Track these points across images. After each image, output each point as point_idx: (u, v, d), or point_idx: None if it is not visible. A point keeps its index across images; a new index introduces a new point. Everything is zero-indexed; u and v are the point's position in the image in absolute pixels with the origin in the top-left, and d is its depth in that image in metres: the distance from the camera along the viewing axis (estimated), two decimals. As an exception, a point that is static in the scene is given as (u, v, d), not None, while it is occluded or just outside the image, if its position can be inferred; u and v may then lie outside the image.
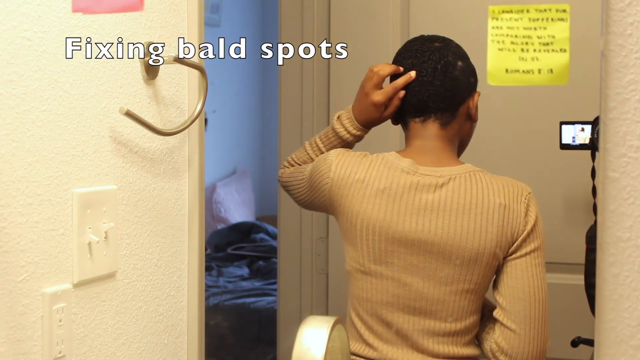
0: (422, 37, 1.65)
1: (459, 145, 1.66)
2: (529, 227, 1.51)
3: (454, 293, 1.53)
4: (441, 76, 1.59)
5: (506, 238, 1.51)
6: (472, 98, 1.62)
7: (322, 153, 1.74)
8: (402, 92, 1.63)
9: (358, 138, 1.73)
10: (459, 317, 1.54)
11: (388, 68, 1.65)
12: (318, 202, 1.69)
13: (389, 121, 1.72)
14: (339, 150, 1.67)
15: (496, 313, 1.53)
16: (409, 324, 1.56)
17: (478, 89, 1.65)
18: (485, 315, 1.60)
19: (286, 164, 1.83)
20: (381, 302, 1.57)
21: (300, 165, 1.78)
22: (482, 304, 1.59)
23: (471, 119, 1.64)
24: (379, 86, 1.66)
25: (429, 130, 1.60)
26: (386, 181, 1.56)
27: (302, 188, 1.74)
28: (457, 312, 1.54)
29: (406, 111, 1.63)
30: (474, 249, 1.51)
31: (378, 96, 1.65)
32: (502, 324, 1.51)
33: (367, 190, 1.57)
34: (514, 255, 1.52)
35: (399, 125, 1.72)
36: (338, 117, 1.73)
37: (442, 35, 1.67)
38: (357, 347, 1.60)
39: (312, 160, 1.74)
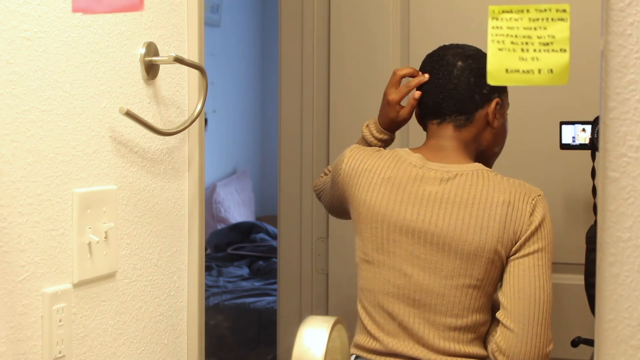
0: (451, 44, 1.68)
1: (482, 152, 1.66)
2: (533, 227, 1.51)
3: (454, 287, 1.54)
4: (455, 79, 1.62)
5: (508, 235, 1.51)
6: (489, 105, 1.63)
7: None
8: (418, 93, 1.67)
9: (384, 142, 1.78)
10: (459, 313, 1.55)
11: (406, 69, 1.72)
12: (337, 199, 1.73)
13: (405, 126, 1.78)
14: (354, 145, 1.73)
15: (498, 313, 1.53)
16: (410, 316, 1.56)
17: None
18: (494, 318, 1.60)
19: (322, 175, 1.92)
20: (383, 292, 1.59)
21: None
22: (488, 304, 1.58)
23: (491, 125, 1.64)
24: (396, 86, 1.73)
25: (444, 131, 1.63)
26: (392, 171, 1.60)
27: (327, 190, 1.81)
28: (457, 308, 1.54)
29: (425, 114, 1.68)
30: (474, 243, 1.51)
31: (392, 95, 1.71)
32: (502, 323, 1.51)
33: (374, 179, 1.61)
34: (517, 255, 1.52)
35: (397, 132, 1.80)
36: (367, 125, 1.80)
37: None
38: (361, 339, 1.63)
39: None
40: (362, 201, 1.61)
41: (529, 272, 1.51)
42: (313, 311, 2.55)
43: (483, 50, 1.60)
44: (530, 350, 1.49)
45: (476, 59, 1.63)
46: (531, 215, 1.51)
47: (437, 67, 1.64)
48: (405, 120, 1.74)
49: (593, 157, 1.86)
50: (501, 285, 1.55)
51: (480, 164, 1.60)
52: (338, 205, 1.76)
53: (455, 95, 1.61)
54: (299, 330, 1.02)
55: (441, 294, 1.54)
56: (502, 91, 1.65)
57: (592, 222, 1.75)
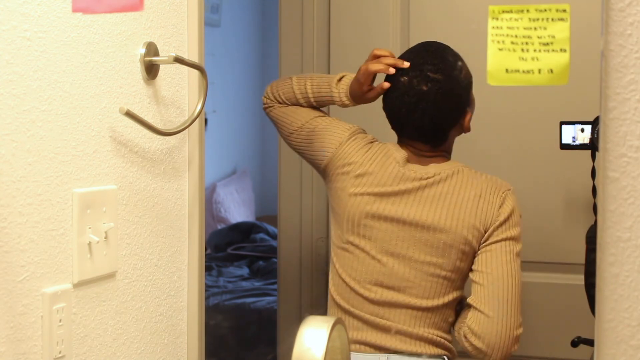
0: (426, 76, 1.65)
1: None
2: (501, 218, 1.59)
3: (427, 275, 1.60)
4: (428, 118, 1.64)
5: (477, 225, 1.59)
6: (464, 118, 1.68)
7: (309, 101, 1.79)
8: (386, 84, 1.68)
9: (345, 105, 1.78)
10: (427, 296, 1.61)
11: (383, 51, 1.73)
12: (311, 156, 1.76)
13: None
14: (354, 130, 1.73)
15: (470, 299, 1.59)
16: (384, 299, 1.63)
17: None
18: (463, 308, 1.66)
19: (270, 96, 1.85)
20: (354, 279, 1.65)
21: (285, 102, 1.82)
22: (456, 291, 1.64)
23: (464, 130, 1.70)
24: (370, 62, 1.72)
25: (420, 145, 1.68)
26: (376, 166, 1.65)
27: (296, 134, 1.79)
28: (428, 291, 1.60)
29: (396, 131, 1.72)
30: (445, 232, 1.58)
31: (362, 74, 1.70)
32: (474, 307, 1.57)
33: (357, 170, 1.66)
34: (487, 242, 1.59)
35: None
36: (340, 79, 1.76)
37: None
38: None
39: (297, 99, 1.80)
40: (341, 189, 1.66)
41: (497, 258, 1.58)
42: (313, 311, 2.55)
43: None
44: (501, 330, 1.54)
45: (440, 96, 1.63)
46: (500, 207, 1.60)
47: (399, 96, 1.65)
48: (370, 101, 1.73)
49: (593, 157, 1.86)
50: (471, 270, 1.62)
51: (457, 162, 1.66)
52: (306, 156, 1.77)
53: (426, 133, 1.66)
54: (299, 330, 1.02)
55: (412, 281, 1.60)
56: (471, 102, 1.69)
57: (592, 222, 1.74)
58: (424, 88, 1.62)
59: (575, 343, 1.90)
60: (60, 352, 1.13)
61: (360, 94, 1.71)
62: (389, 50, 1.72)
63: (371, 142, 1.70)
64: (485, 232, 1.59)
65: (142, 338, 1.34)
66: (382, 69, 1.69)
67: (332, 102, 1.77)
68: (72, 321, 1.16)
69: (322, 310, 2.56)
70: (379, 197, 1.62)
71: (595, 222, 1.06)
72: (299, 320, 0.99)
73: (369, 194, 1.63)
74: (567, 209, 2.23)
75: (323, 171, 1.73)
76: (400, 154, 1.66)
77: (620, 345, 0.98)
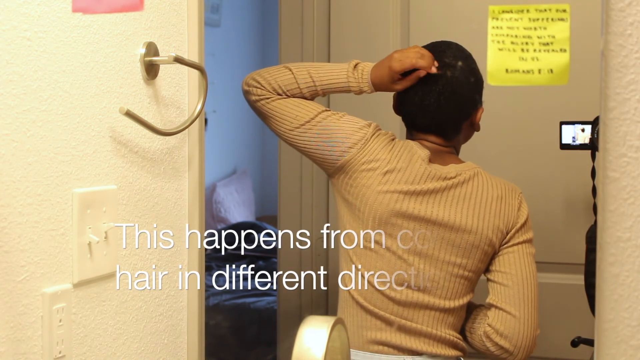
0: (443, 62, 1.65)
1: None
2: (521, 220, 1.63)
3: (450, 274, 1.61)
4: (445, 102, 1.64)
5: (501, 226, 1.61)
6: (476, 113, 1.69)
7: (314, 91, 1.69)
8: (422, 73, 1.62)
9: (362, 93, 1.71)
10: (450, 297, 1.61)
11: (426, 61, 1.63)
12: (325, 152, 1.66)
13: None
14: (375, 125, 1.67)
15: (490, 299, 1.61)
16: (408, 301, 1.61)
17: None
18: (473, 309, 1.67)
19: (267, 86, 1.73)
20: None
21: (286, 93, 1.70)
22: (472, 292, 1.65)
23: (474, 128, 1.72)
24: (410, 56, 1.63)
25: (434, 139, 1.69)
26: (402, 162, 1.63)
27: (302, 129, 1.68)
28: (451, 292, 1.61)
29: (410, 126, 1.72)
30: (472, 234, 1.59)
31: (396, 65, 1.63)
32: (497, 307, 1.59)
33: (385, 167, 1.63)
34: (508, 244, 1.62)
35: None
36: (355, 67, 1.68)
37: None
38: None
39: (300, 90, 1.69)
40: (366, 186, 1.62)
41: (520, 259, 1.61)
42: (313, 311, 2.55)
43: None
44: (526, 330, 1.58)
45: (456, 82, 1.64)
46: (518, 209, 1.64)
47: (423, 88, 1.64)
48: (393, 90, 1.69)
49: (593, 157, 1.86)
50: (490, 271, 1.64)
51: (471, 163, 1.67)
52: (310, 154, 1.68)
53: (441, 119, 1.66)
54: (299, 330, 1.02)
55: (437, 281, 1.60)
56: (481, 99, 1.70)
57: (592, 222, 1.75)
58: (441, 73, 1.63)
59: (575, 343, 1.90)
60: (60, 352, 1.13)
61: (388, 81, 1.65)
62: (429, 53, 1.65)
63: (392, 139, 1.68)
64: (507, 234, 1.62)
65: (142, 338, 1.34)
66: (426, 65, 1.61)
67: (347, 91, 1.69)
68: (72, 321, 1.16)
69: (322, 310, 2.56)
70: (407, 196, 1.60)
71: (595, 222, 1.06)
72: (299, 320, 0.99)
73: (398, 191, 1.60)
74: (567, 209, 2.23)
75: (340, 168, 1.65)
76: (424, 152, 1.64)
77: (620, 345, 0.98)
